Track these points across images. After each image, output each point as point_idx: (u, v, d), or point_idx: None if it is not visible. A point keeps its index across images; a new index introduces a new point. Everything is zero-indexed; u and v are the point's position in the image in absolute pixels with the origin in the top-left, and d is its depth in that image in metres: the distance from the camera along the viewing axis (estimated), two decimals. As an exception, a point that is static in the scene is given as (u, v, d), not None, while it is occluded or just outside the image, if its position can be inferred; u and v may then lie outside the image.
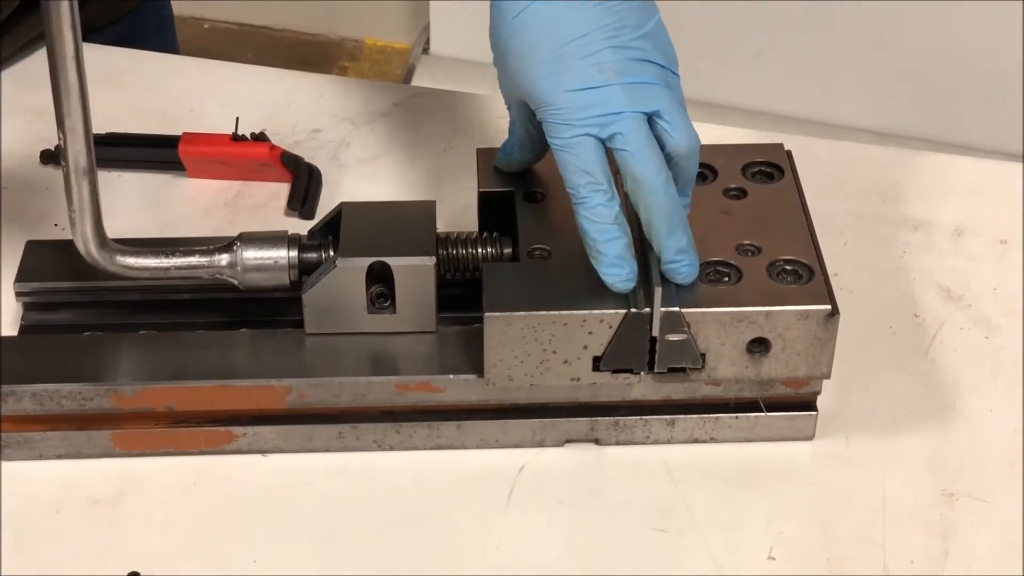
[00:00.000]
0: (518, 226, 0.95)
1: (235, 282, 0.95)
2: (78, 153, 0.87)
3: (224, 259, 0.95)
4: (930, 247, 1.09)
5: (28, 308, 0.99)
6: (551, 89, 0.89)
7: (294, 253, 0.95)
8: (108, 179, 1.14)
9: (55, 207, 1.09)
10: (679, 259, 0.89)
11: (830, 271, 0.92)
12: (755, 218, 0.95)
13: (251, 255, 0.94)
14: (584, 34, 0.89)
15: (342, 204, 0.97)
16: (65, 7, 0.82)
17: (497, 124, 1.19)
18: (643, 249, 0.91)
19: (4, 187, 1.13)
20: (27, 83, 1.21)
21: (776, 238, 0.93)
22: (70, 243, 0.93)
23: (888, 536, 0.90)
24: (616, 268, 0.88)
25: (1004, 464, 0.94)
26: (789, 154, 1.00)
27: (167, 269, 0.95)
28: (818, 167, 1.14)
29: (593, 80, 0.88)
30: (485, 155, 1.00)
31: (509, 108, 0.97)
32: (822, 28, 2.47)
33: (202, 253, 0.95)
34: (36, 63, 1.23)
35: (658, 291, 0.88)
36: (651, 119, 0.88)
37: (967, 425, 0.97)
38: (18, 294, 0.99)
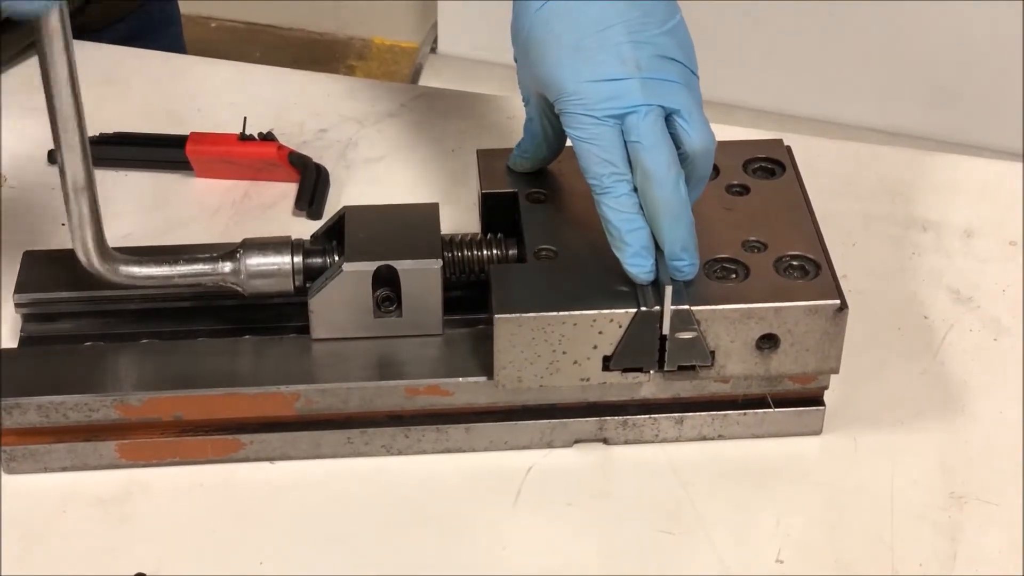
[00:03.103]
0: (523, 227, 0.95)
1: (239, 289, 0.94)
2: (76, 171, 0.87)
3: (228, 266, 0.94)
4: (939, 248, 1.09)
5: (27, 319, 0.98)
6: (572, 79, 0.89)
7: (298, 258, 0.94)
8: (115, 179, 1.14)
9: (62, 206, 1.09)
10: (682, 257, 0.89)
11: (839, 272, 0.92)
12: (759, 214, 0.95)
13: (255, 261, 0.94)
14: (607, 27, 0.89)
15: (345, 208, 0.96)
16: (56, 27, 0.81)
17: (505, 124, 1.18)
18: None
19: (11, 186, 1.13)
20: (34, 82, 1.20)
21: (781, 234, 0.94)
22: (68, 252, 0.93)
23: (896, 538, 0.90)
24: (640, 259, 0.88)
25: (1013, 466, 0.94)
26: (789, 150, 1.01)
27: (171, 278, 0.94)
28: (827, 167, 1.14)
29: (614, 72, 0.88)
30: (486, 156, 1.00)
31: (526, 103, 0.97)
32: (830, 28, 2.47)
33: (205, 260, 0.94)
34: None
35: (668, 289, 0.88)
36: (669, 116, 0.88)
37: (976, 427, 0.97)
38: (17, 305, 0.98)
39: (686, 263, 0.89)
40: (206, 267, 0.94)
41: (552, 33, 0.91)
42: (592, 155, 0.89)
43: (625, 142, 0.88)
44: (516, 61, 0.95)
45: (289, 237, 0.95)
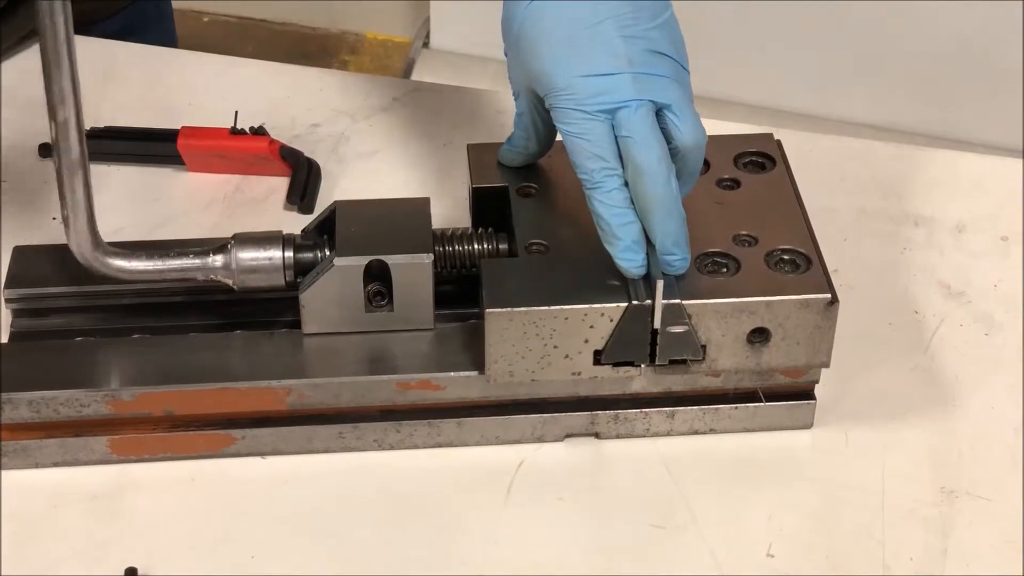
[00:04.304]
0: (514, 221, 0.95)
1: (230, 283, 0.94)
2: (71, 149, 0.86)
3: (218, 260, 0.94)
4: (931, 243, 1.09)
5: (17, 315, 0.98)
6: (563, 74, 0.89)
7: (289, 253, 0.94)
8: (107, 173, 1.14)
9: (53, 201, 1.09)
10: (673, 251, 0.89)
11: (831, 267, 0.92)
12: (750, 208, 0.95)
13: (246, 256, 0.94)
14: (598, 22, 0.89)
15: (336, 203, 0.96)
16: (57, 4, 0.81)
17: (496, 119, 1.18)
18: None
19: (2, 180, 1.12)
20: (27, 75, 1.21)
21: (772, 228, 0.94)
22: (58, 247, 0.92)
23: (887, 533, 0.90)
24: (632, 253, 0.88)
25: (1004, 461, 0.94)
26: (779, 143, 1.01)
27: (161, 272, 0.94)
28: (819, 163, 1.14)
29: (605, 67, 0.88)
30: (477, 151, 1.00)
31: (517, 98, 0.97)
32: (823, 23, 2.47)
33: (196, 255, 0.94)
34: (36, 55, 1.22)
35: (660, 283, 0.88)
36: (659, 111, 0.89)
37: (967, 422, 0.97)
38: (7, 300, 0.97)
39: (677, 257, 0.89)
40: (197, 261, 0.94)
41: (543, 28, 0.91)
42: (583, 150, 0.89)
43: (616, 137, 0.88)
44: (507, 56, 0.95)
45: (280, 232, 0.95)
